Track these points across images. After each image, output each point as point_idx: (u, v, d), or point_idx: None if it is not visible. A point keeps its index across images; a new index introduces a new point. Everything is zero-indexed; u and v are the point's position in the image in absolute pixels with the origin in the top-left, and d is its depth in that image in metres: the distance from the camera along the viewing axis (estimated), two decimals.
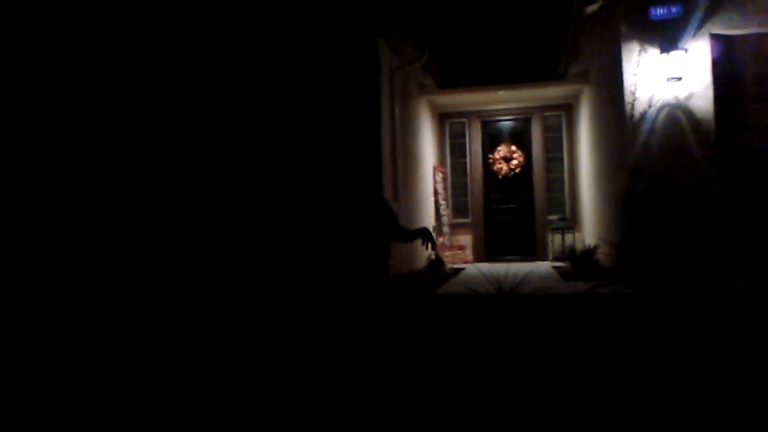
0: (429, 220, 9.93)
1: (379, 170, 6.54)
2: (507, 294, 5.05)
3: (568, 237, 9.98)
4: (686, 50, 6.18)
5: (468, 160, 11.28)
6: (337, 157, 6.48)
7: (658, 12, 6.31)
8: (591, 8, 6.73)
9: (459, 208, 11.33)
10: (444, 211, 10.50)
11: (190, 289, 5.63)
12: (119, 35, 5.51)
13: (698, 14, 6.20)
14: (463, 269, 8.95)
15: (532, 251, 10.70)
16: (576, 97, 10.24)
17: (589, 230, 9.22)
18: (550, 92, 10.21)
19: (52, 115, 5.13)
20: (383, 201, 6.70)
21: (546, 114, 11.05)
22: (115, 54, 5.53)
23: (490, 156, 11.14)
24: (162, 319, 4.95)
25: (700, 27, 6.21)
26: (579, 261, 7.24)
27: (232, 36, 6.54)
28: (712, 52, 6.21)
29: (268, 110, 6.55)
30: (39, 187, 4.85)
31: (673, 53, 6.16)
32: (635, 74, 6.29)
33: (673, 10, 6.27)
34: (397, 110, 7.48)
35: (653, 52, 6.28)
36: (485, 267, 8.77)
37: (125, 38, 5.55)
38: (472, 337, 4.50)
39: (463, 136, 11.35)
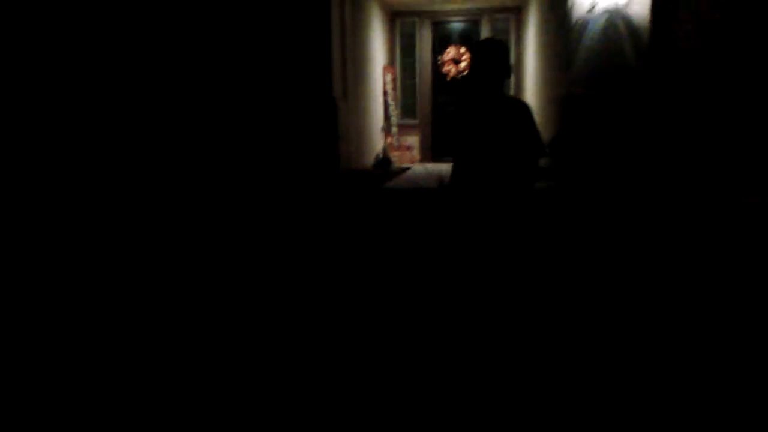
0: (378, 120, 10.13)
1: (329, 68, 6.64)
2: (446, 187, 5.47)
3: None
4: None
5: (417, 60, 11.36)
6: (287, 56, 6.54)
7: None
8: None
9: (408, 109, 11.53)
10: (393, 111, 10.69)
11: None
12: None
13: None
14: (409, 168, 9.31)
15: None
16: (525, 0, 10.33)
17: None
18: None
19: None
20: (333, 99, 6.87)
21: (496, 16, 11.13)
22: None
23: (440, 58, 11.24)
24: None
25: None
26: None
27: None
28: None
29: (219, 17, 6.46)
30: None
31: None
32: None
33: None
34: (347, 7, 7.46)
35: None
36: (431, 166, 9.17)
37: None
38: (414, 222, 4.92)
39: (414, 36, 11.36)
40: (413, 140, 11.25)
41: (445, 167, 7.36)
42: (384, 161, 9.01)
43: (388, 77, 10.55)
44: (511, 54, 10.95)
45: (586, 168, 6.13)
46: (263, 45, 6.53)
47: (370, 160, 9.20)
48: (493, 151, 3.00)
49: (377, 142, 9.95)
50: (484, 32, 11.12)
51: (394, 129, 10.73)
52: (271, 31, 6.54)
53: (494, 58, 3.00)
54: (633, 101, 6.47)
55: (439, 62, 11.24)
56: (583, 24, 6.46)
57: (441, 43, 11.29)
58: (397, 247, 4.72)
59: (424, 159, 11.15)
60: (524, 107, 3.12)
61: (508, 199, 3.02)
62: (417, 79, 11.40)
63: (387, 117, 10.54)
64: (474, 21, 11.22)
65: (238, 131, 6.42)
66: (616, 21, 6.50)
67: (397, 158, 10.13)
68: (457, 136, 3.12)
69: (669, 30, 6.54)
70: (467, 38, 11.22)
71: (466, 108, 3.10)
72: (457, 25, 11.31)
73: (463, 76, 11.04)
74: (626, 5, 6.46)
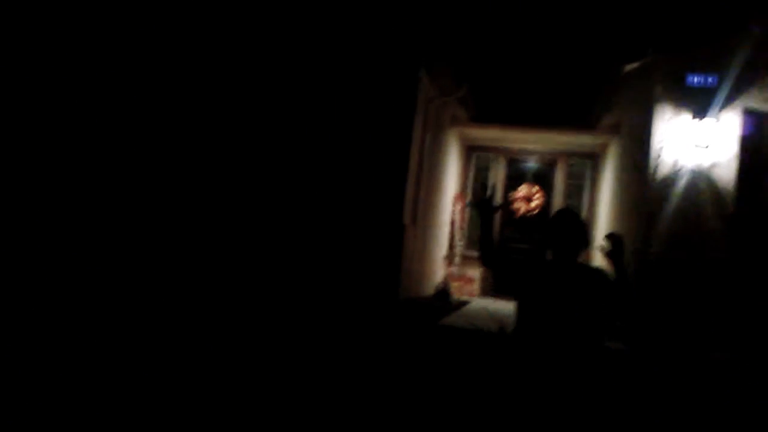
0: (442, 248, 10.04)
1: (402, 195, 6.69)
2: (507, 335, 5.18)
3: None
4: (717, 120, 6.29)
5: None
6: (365, 178, 6.66)
7: (695, 80, 6.42)
8: (630, 66, 6.88)
9: (473, 240, 11.43)
10: (458, 241, 10.60)
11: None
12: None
13: (733, 87, 6.31)
14: (468, 302, 9.03)
15: None
16: (604, 148, 10.34)
17: None
18: (579, 140, 10.32)
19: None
20: (402, 226, 6.83)
21: (572, 160, 11.16)
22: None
23: (511, 194, 11.26)
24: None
25: (733, 99, 6.32)
26: None
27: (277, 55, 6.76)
28: (743, 125, 6.31)
29: (308, 129, 6.75)
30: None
31: (704, 121, 6.26)
32: (663, 137, 6.40)
33: (709, 80, 6.39)
34: (427, 138, 7.65)
35: (684, 118, 6.38)
36: (491, 304, 8.87)
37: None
38: (468, 373, 4.61)
39: (488, 170, 11.49)
40: (475, 273, 11.03)
41: (504, 307, 7.08)
42: (443, 293, 8.80)
43: (458, 206, 10.58)
44: (584, 198, 10.86)
45: (662, 331, 5.72)
46: (344, 167, 6.70)
47: (429, 288, 9.01)
48: (566, 315, 2.80)
49: (438, 270, 9.80)
50: (559, 174, 11.13)
51: (457, 258, 10.59)
52: (351, 156, 6.72)
53: (572, 231, 2.89)
54: (714, 264, 6.13)
55: (510, 199, 11.24)
56: (665, 182, 6.31)
57: (514, 179, 11.35)
58: (448, 389, 4.41)
59: (483, 293, 10.86)
60: (602, 276, 2.92)
61: (574, 362, 2.80)
62: None
63: (452, 246, 10.46)
64: (549, 162, 11.28)
65: (314, 247, 6.47)
66: (699, 183, 6.33)
67: (457, 289, 9.90)
68: (526, 292, 2.97)
69: (754, 196, 6.29)
70: (541, 178, 11.24)
71: (538, 268, 2.98)
72: (531, 164, 11.39)
73: (533, 218, 10.95)
74: (710, 168, 6.32)
